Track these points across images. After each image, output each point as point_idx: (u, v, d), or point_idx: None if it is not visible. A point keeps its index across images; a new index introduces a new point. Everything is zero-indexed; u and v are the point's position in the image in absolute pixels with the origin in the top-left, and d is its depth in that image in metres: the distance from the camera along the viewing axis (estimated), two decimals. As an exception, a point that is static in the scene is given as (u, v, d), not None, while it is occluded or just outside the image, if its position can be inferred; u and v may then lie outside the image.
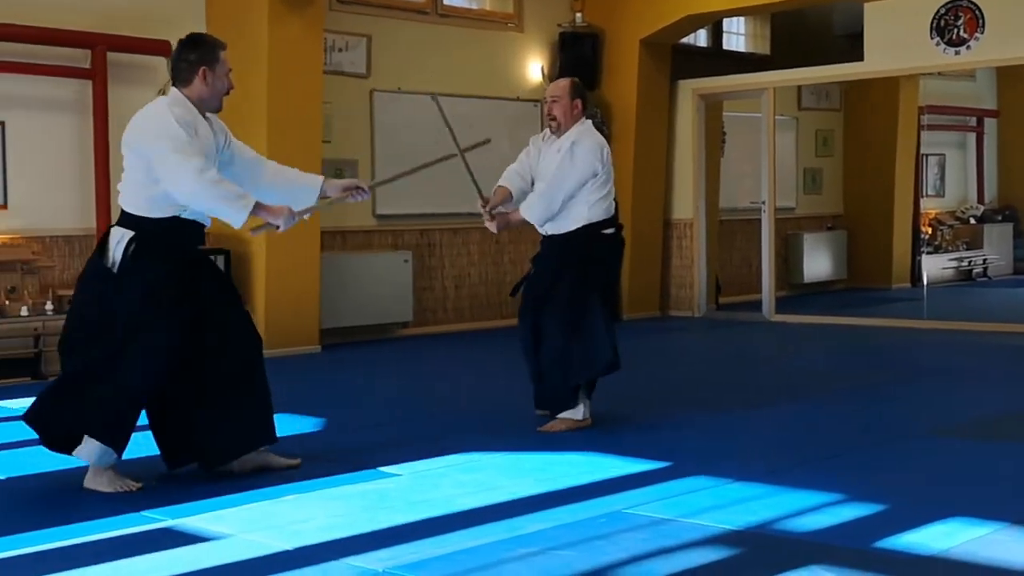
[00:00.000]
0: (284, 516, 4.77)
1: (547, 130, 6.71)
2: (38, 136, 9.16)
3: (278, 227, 5.25)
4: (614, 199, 6.61)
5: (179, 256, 5.22)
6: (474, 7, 12.20)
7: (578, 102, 6.52)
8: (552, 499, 4.98)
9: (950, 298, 13.58)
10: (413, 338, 11.22)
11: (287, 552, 4.25)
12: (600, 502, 4.90)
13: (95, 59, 9.21)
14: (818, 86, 14.69)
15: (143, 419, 5.35)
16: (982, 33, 10.81)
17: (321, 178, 5.68)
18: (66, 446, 5.26)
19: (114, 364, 5.11)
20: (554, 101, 6.53)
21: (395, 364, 9.72)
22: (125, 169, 5.22)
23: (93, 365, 5.15)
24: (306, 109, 9.92)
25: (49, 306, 8.79)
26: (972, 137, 15.60)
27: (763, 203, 12.55)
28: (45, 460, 5.83)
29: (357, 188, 5.70)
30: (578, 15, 12.49)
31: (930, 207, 15.04)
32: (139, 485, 5.19)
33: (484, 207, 6.63)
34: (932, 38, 11.07)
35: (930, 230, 14.86)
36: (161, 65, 9.59)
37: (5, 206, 8.98)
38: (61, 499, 5.17)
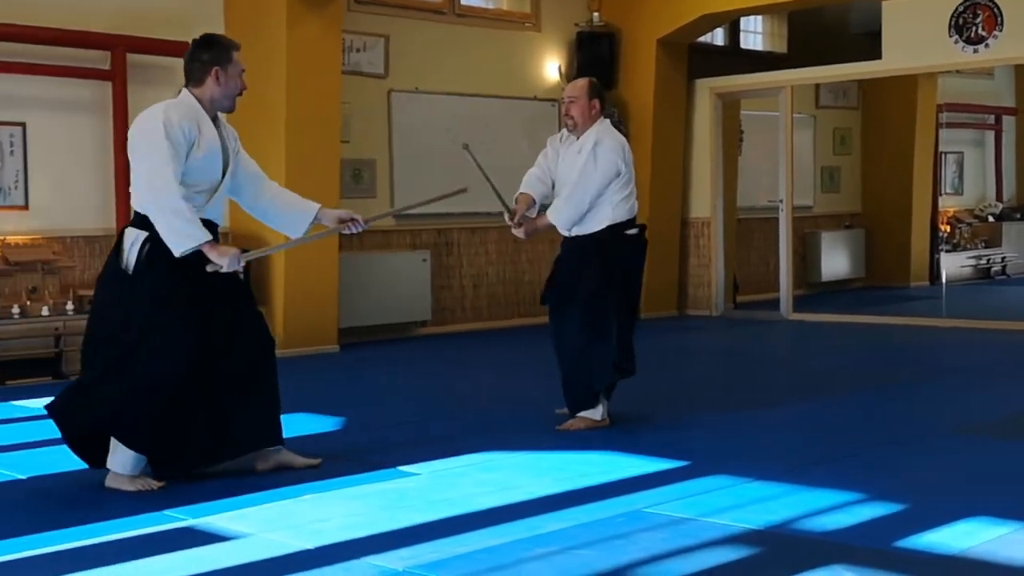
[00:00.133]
0: (304, 515, 4.79)
1: (564, 130, 6.68)
2: (58, 137, 9.20)
3: (220, 267, 5.13)
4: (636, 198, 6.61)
5: (193, 256, 5.24)
6: (491, 7, 12.21)
7: (596, 102, 6.50)
8: (571, 498, 4.98)
9: (969, 296, 13.53)
10: (431, 337, 11.23)
11: (307, 551, 4.26)
12: (619, 501, 4.90)
13: (115, 60, 9.26)
14: (836, 84, 14.66)
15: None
16: (1000, 31, 10.78)
17: (318, 206, 5.63)
18: (91, 451, 5.29)
19: (130, 365, 5.14)
20: (572, 101, 6.50)
21: (414, 363, 9.73)
22: (132, 170, 5.24)
23: (111, 365, 5.18)
24: (324, 109, 9.95)
25: (70, 306, 8.84)
26: (990, 135, 15.54)
27: (781, 202, 12.53)
28: (67, 459, 5.85)
29: (352, 220, 5.63)
30: (595, 14, 12.49)
31: (948, 205, 14.99)
32: (160, 484, 5.21)
33: (511, 219, 6.56)
34: (950, 36, 11.04)
35: (948, 228, 14.81)
36: (180, 66, 9.57)
37: (26, 207, 9.03)
38: (82, 498, 5.18)
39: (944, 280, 13.28)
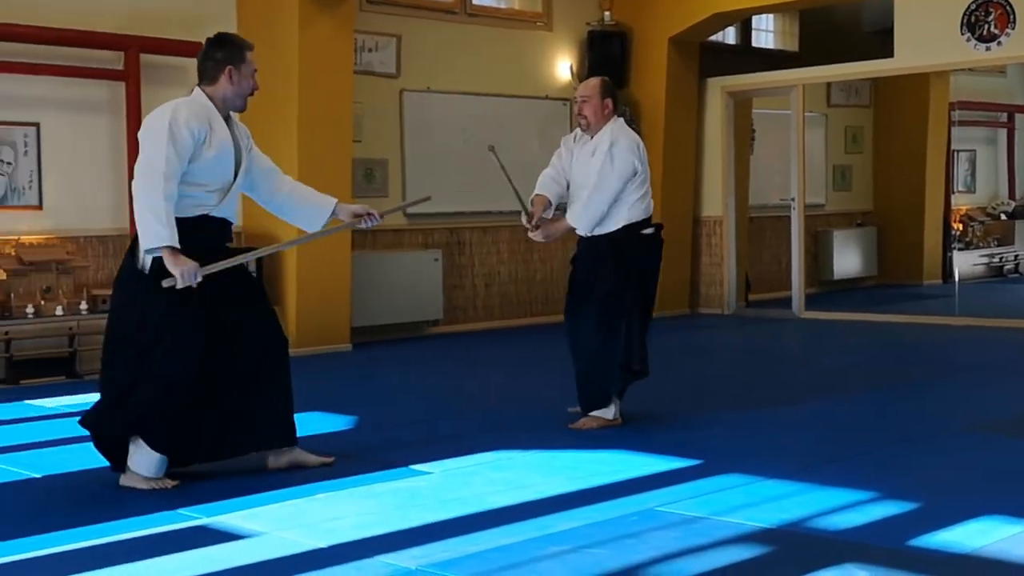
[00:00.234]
0: (317, 514, 4.80)
1: (578, 130, 6.68)
2: (72, 137, 9.24)
3: (175, 283, 5.06)
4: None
5: (208, 255, 5.24)
6: (503, 7, 12.22)
7: (608, 101, 6.48)
8: (583, 497, 4.99)
9: (982, 294, 13.50)
10: (443, 336, 11.25)
11: (320, 550, 4.27)
12: (631, 500, 4.90)
13: (128, 61, 9.29)
14: (848, 82, 14.65)
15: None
16: (1013, 29, 10.75)
17: (335, 200, 5.66)
18: (119, 456, 5.31)
19: (146, 365, 5.17)
20: (584, 101, 6.49)
21: (426, 362, 9.74)
22: None
23: (128, 365, 5.20)
24: (336, 109, 9.97)
25: (84, 306, 8.87)
26: (1003, 133, 15.50)
27: (792, 200, 12.52)
28: (81, 458, 5.90)
29: (368, 214, 5.65)
30: (606, 14, 12.49)
31: (961, 203, 14.95)
32: (175, 483, 5.23)
33: (529, 221, 6.53)
34: (963, 34, 11.02)
35: (961, 226, 14.77)
36: (193, 66, 9.60)
37: (40, 207, 9.06)
38: (97, 497, 5.20)
39: (957, 278, 13.25)
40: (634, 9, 12.55)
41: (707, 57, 13.00)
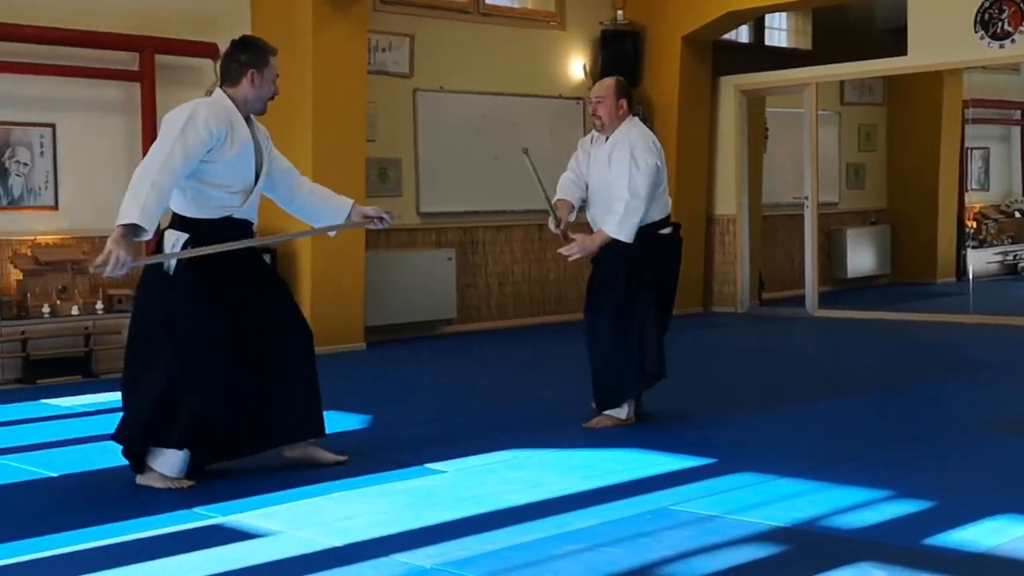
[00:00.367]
0: (332, 513, 4.82)
1: (594, 132, 6.66)
2: (88, 138, 9.27)
3: (103, 269, 4.96)
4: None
5: (234, 257, 5.28)
6: (516, 6, 12.23)
7: (623, 102, 6.47)
8: (598, 496, 5.00)
9: (996, 292, 13.47)
10: (457, 335, 11.26)
11: (335, 549, 4.29)
12: (645, 499, 4.91)
13: (143, 62, 9.32)
14: (861, 80, 14.63)
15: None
16: (1027, 26, 10.75)
17: (352, 201, 5.70)
18: (142, 460, 5.32)
19: (172, 365, 5.19)
20: (599, 102, 6.48)
21: (439, 361, 9.76)
22: None
23: (160, 372, 5.21)
24: (350, 108, 9.99)
25: (99, 305, 8.91)
26: (1016, 130, 15.47)
27: (806, 198, 12.51)
28: (97, 457, 5.93)
29: (379, 217, 5.68)
30: (619, 12, 12.49)
31: (974, 201, 14.93)
32: (191, 483, 5.25)
33: (558, 227, 6.49)
34: (976, 32, 11.00)
35: (974, 224, 14.75)
36: (208, 67, 9.68)
37: (56, 207, 9.10)
38: (113, 496, 5.22)
39: (971, 276, 13.24)
40: (647, 8, 12.55)
41: (720, 56, 13.00)
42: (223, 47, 9.75)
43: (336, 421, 6.64)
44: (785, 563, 4.11)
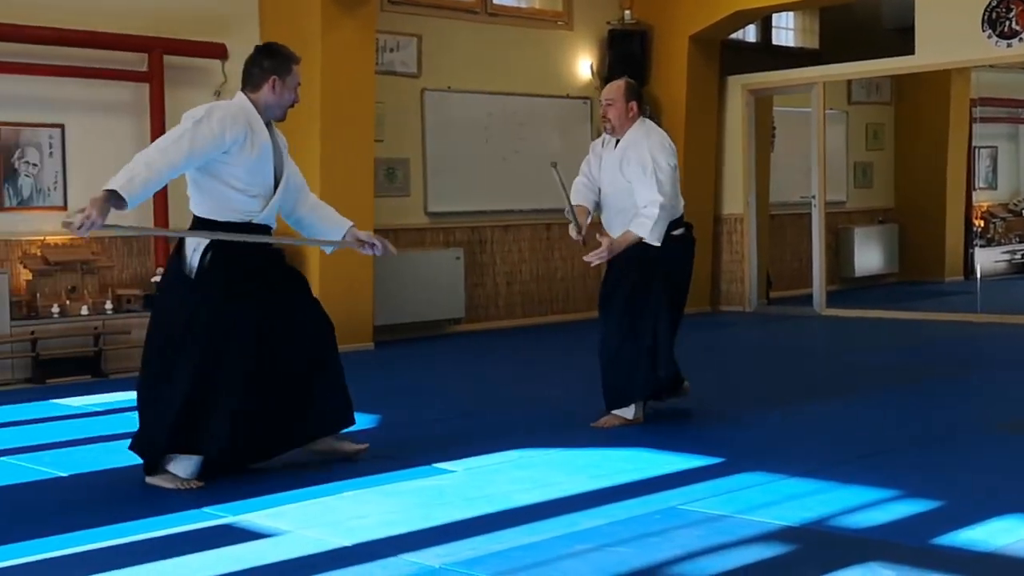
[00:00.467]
0: (341, 512, 4.83)
1: (605, 135, 6.66)
2: (97, 138, 9.29)
3: (72, 223, 5.00)
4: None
5: (253, 259, 5.33)
6: (523, 6, 12.24)
7: (633, 104, 6.45)
8: (607, 495, 5.00)
9: (1004, 291, 13.46)
10: (465, 334, 11.28)
11: (345, 548, 4.30)
12: (654, 498, 4.92)
13: (152, 62, 9.35)
14: (868, 80, 14.62)
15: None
16: (1034, 25, 10.74)
17: (351, 224, 5.71)
18: (159, 464, 5.34)
19: (194, 369, 5.21)
20: (609, 104, 6.46)
21: (448, 360, 9.77)
22: (187, 176, 5.33)
23: (183, 376, 5.23)
24: (358, 109, 10.00)
25: (109, 305, 8.94)
26: (1024, 129, 15.48)
27: (813, 197, 12.51)
28: (107, 457, 5.95)
29: (371, 243, 5.68)
30: (627, 12, 12.51)
31: (982, 200, 14.91)
32: (200, 484, 5.27)
33: (580, 234, 6.45)
34: (983, 31, 10.99)
35: (982, 223, 14.73)
36: (216, 67, 9.73)
37: (65, 207, 9.11)
38: (123, 496, 5.24)
39: (978, 275, 13.22)
40: (655, 8, 12.56)
41: (728, 55, 13.00)
42: (232, 48, 9.91)
43: (344, 421, 6.67)
44: (794, 563, 4.11)
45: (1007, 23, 10.86)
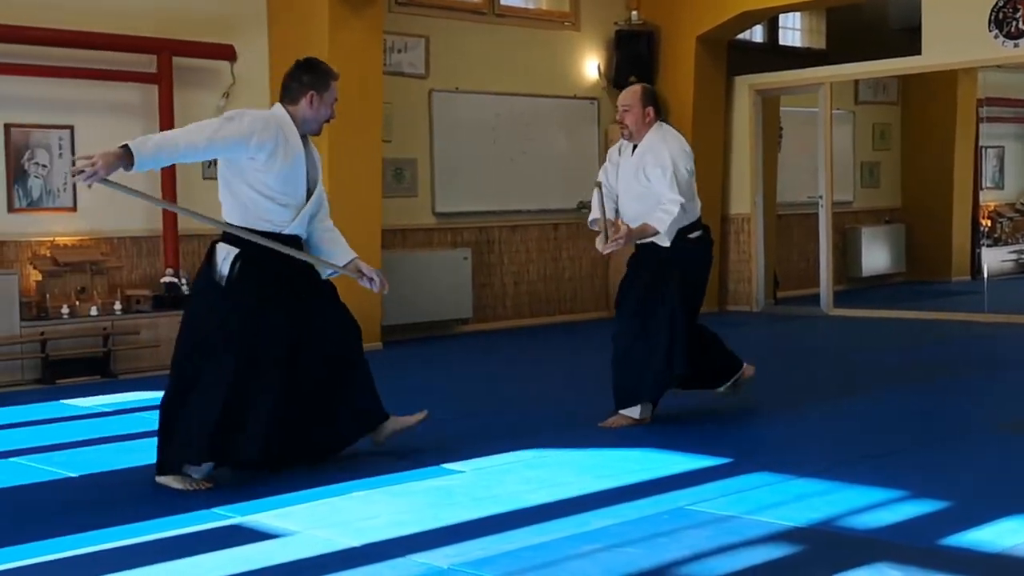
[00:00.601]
0: (350, 513, 4.84)
1: (622, 140, 6.66)
2: (106, 140, 9.14)
3: (81, 171, 4.99)
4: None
5: (283, 267, 5.39)
6: (531, 7, 12.26)
7: (650, 109, 6.45)
8: (615, 495, 5.02)
9: (1011, 291, 13.42)
10: (473, 334, 11.29)
11: (353, 549, 4.31)
12: (662, 498, 4.93)
13: (161, 64, 9.37)
14: (875, 80, 14.62)
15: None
16: (1042, 25, 10.74)
17: (355, 255, 5.75)
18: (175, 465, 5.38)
19: (224, 376, 5.25)
20: (625, 110, 6.46)
21: (456, 361, 9.78)
22: (220, 184, 5.40)
23: (214, 381, 5.26)
24: (366, 109, 10.01)
25: (118, 306, 8.96)
26: (1031, 129, 15.46)
27: (820, 197, 12.51)
28: (116, 457, 5.98)
29: (371, 279, 5.73)
30: (634, 13, 12.52)
31: (989, 199, 14.90)
32: (209, 484, 5.29)
33: (605, 245, 6.40)
34: (990, 31, 10.99)
35: (989, 223, 14.72)
36: (225, 69, 9.75)
37: (74, 208, 9.15)
38: (132, 496, 5.26)
39: (986, 275, 13.22)
40: (661, 8, 12.56)
41: (735, 55, 13.01)
42: (240, 49, 9.94)
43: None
44: (802, 563, 4.12)
45: (1014, 23, 10.86)
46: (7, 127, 8.90)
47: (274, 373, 5.32)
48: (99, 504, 5.15)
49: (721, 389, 6.85)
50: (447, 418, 7.01)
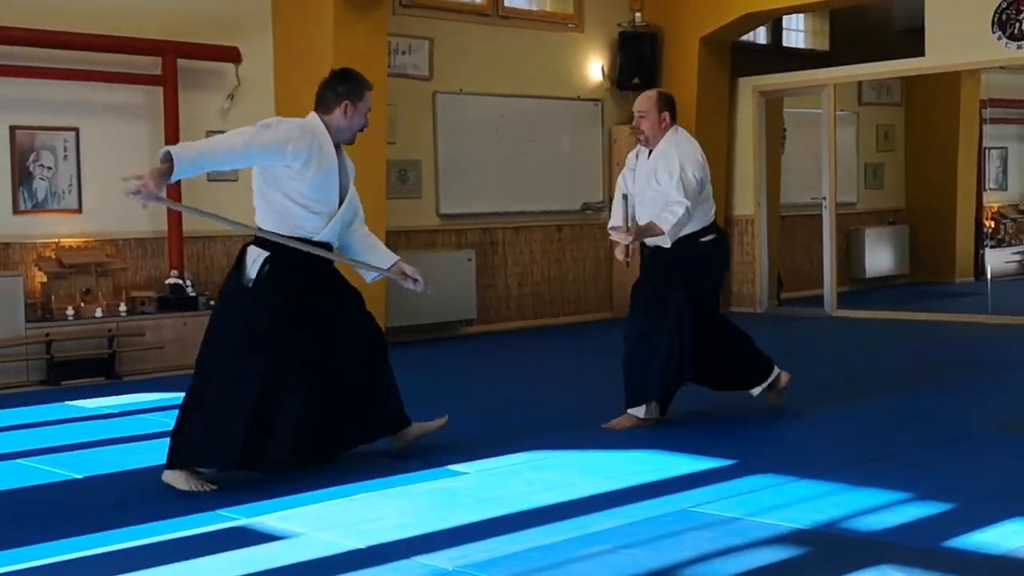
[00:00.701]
0: (355, 515, 4.85)
1: (639, 146, 6.66)
2: (111, 142, 9.33)
3: (134, 189, 5.06)
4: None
5: (311, 271, 5.45)
6: (534, 8, 12.27)
7: (666, 115, 6.47)
8: (620, 497, 5.02)
9: (1015, 292, 13.42)
10: (477, 336, 11.31)
11: (358, 551, 4.32)
12: (667, 500, 4.94)
13: (165, 66, 9.39)
14: (879, 81, 14.62)
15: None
16: (1044, 27, 10.74)
17: (397, 258, 5.86)
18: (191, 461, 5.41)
19: (249, 380, 5.29)
20: (641, 116, 6.48)
21: (460, 362, 9.79)
22: (254, 192, 5.45)
23: (242, 385, 5.30)
24: (371, 111, 9.99)
25: (122, 307, 8.98)
26: (1034, 130, 15.46)
27: (824, 198, 12.52)
28: (121, 459, 5.99)
29: (415, 280, 5.81)
30: (637, 14, 12.53)
31: (992, 200, 14.90)
32: (214, 485, 5.30)
33: (626, 256, 6.49)
34: (993, 32, 10.99)
35: (993, 224, 14.72)
36: (230, 71, 9.76)
37: (80, 210, 9.17)
38: (136, 498, 5.27)
39: (989, 276, 13.21)
40: (665, 10, 12.57)
41: (738, 57, 13.01)
42: (245, 51, 9.95)
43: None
44: (806, 565, 4.12)
45: (1017, 25, 10.86)
46: (12, 129, 8.92)
47: (302, 375, 5.38)
48: (104, 506, 5.15)
49: (755, 392, 6.82)
50: (451, 419, 7.02)
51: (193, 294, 9.30)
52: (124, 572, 4.13)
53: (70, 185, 9.11)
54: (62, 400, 7.96)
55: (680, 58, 12.59)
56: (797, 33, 14.98)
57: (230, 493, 5.20)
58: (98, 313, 8.86)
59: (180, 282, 9.29)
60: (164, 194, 5.28)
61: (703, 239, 6.50)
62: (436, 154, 11.27)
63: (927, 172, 15.23)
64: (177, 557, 4.28)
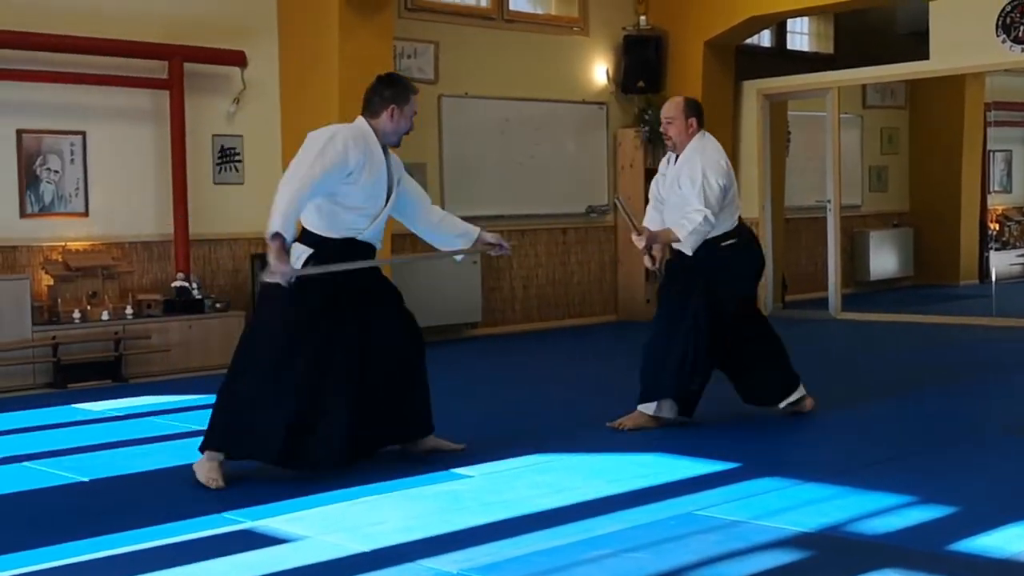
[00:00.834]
0: (360, 517, 4.86)
1: (670, 152, 6.68)
2: (117, 145, 9.35)
3: (270, 278, 5.29)
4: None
5: (352, 271, 5.49)
6: (539, 12, 12.28)
7: (692, 120, 6.52)
8: (624, 500, 5.03)
9: (1019, 295, 13.43)
10: (482, 338, 11.32)
11: (363, 554, 4.33)
12: (672, 503, 4.94)
13: (172, 70, 9.40)
14: (883, 84, 14.62)
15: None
16: (1049, 30, 10.75)
17: (478, 229, 5.96)
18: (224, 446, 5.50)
19: (286, 376, 5.35)
20: (668, 122, 6.54)
21: (465, 365, 9.78)
22: None
23: (282, 387, 5.36)
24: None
25: (129, 310, 9.00)
26: (1039, 133, 15.46)
27: (828, 201, 12.52)
28: (128, 462, 6.00)
29: (500, 244, 5.97)
30: (642, 18, 12.54)
31: (997, 203, 14.90)
32: (223, 485, 5.34)
33: (655, 265, 6.55)
34: (998, 35, 11.00)
35: (997, 226, 14.72)
36: (236, 75, 9.78)
37: (86, 213, 9.19)
38: (142, 501, 5.29)
39: (993, 278, 13.21)
40: (670, 13, 12.59)
41: (742, 60, 13.01)
42: (251, 55, 9.97)
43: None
44: (811, 569, 4.13)
45: (1021, 28, 10.86)
46: (19, 133, 8.93)
47: (343, 374, 5.44)
48: (109, 509, 5.16)
49: (781, 406, 6.83)
50: (455, 422, 7.03)
51: (199, 297, 9.32)
52: (130, 575, 4.14)
53: (77, 189, 9.13)
54: (68, 403, 7.97)
55: (685, 61, 12.60)
56: (801, 36, 14.99)
57: (235, 496, 5.21)
58: (104, 316, 8.88)
59: (186, 285, 9.32)
60: (299, 265, 5.38)
61: (724, 243, 6.52)
62: (441, 157, 11.28)
63: (931, 175, 15.22)
64: (182, 560, 4.29)
